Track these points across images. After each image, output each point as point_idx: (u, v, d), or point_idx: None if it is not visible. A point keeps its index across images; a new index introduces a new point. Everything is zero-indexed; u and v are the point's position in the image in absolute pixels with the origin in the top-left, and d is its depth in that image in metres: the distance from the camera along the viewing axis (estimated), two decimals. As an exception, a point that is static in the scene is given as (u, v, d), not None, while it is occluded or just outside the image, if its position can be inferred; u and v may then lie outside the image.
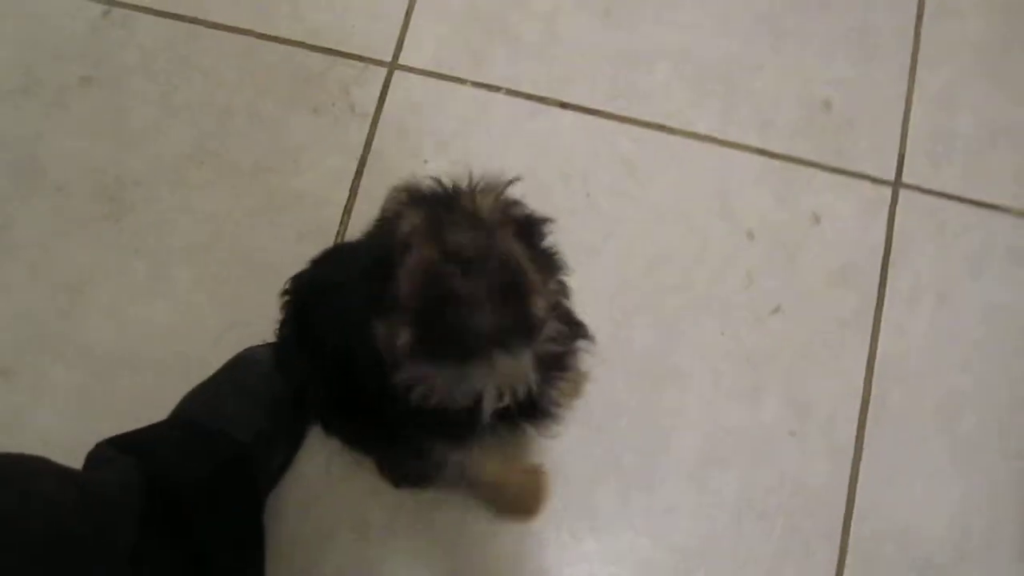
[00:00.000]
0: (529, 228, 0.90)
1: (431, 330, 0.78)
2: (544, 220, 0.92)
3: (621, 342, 1.42)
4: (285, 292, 1.14)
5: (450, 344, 0.79)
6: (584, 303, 0.99)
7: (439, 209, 0.82)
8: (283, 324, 1.17)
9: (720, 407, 1.41)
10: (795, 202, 1.50)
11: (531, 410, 0.94)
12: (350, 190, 1.46)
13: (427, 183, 0.89)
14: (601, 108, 1.52)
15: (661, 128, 1.52)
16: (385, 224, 0.92)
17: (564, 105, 1.52)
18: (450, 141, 1.50)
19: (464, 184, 0.87)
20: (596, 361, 1.16)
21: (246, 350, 1.34)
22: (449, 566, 1.31)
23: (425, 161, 1.49)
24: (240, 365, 1.32)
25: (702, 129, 1.52)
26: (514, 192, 0.90)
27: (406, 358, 0.81)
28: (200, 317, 1.41)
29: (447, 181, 0.88)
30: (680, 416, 1.40)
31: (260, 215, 1.45)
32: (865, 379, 1.43)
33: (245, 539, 1.24)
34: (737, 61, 1.56)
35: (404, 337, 0.79)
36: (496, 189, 0.88)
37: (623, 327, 1.42)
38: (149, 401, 1.28)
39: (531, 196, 1.42)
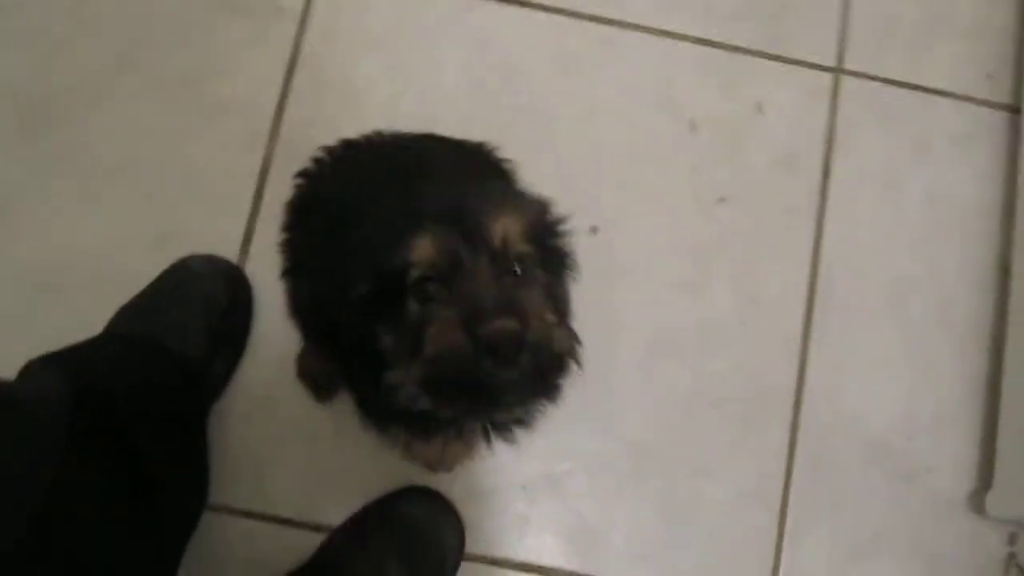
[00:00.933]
0: (543, 230, 0.88)
1: (447, 393, 0.79)
2: (558, 220, 0.91)
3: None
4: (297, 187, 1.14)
5: (465, 398, 0.79)
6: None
7: (455, 244, 0.79)
8: (285, 226, 1.16)
9: (668, 300, 1.40)
10: (737, 91, 1.48)
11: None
12: (280, 95, 1.41)
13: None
14: (537, 0, 1.48)
15: (598, 20, 1.48)
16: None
17: (500, -1, 1.48)
18: (383, 39, 1.45)
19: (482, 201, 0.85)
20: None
21: (182, 259, 1.30)
22: (402, 473, 1.29)
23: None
24: (177, 275, 1.28)
25: (640, 20, 1.49)
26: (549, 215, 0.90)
27: (412, 387, 0.82)
28: (132, 231, 1.35)
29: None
30: (629, 311, 1.39)
31: (188, 124, 1.39)
32: (811, 266, 1.43)
33: (186, 451, 1.20)
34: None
35: (413, 383, 0.81)
36: (523, 211, 0.86)
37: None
38: (84, 319, 1.23)
39: (468, 94, 1.46)
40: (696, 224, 1.43)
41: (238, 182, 1.37)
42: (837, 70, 1.50)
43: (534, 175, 1.35)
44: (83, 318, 1.22)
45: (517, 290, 0.78)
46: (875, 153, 1.48)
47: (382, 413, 0.99)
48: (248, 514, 1.28)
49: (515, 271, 0.81)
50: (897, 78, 1.51)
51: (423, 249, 0.78)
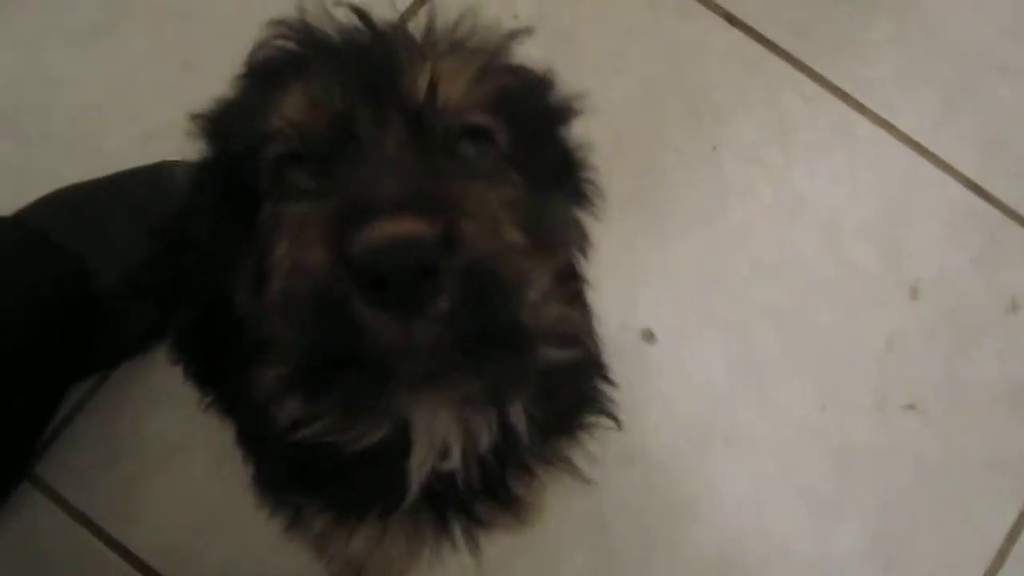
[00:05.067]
0: (530, 102, 0.53)
1: (312, 373, 0.45)
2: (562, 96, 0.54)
3: (669, 365, 0.96)
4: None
5: (360, 388, 0.44)
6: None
7: (347, 97, 0.46)
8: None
9: (782, 502, 0.95)
10: (995, 272, 1.01)
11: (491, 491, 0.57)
12: None
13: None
14: (774, 39, 1.06)
15: (846, 98, 1.04)
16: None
17: (731, 19, 1.06)
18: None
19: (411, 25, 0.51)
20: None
21: (165, 163, 0.94)
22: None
23: None
24: (145, 179, 0.92)
25: (903, 125, 1.04)
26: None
27: (282, 393, 0.49)
28: (136, 97, 1.01)
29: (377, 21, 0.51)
30: (717, 496, 0.94)
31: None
32: (996, 556, 0.95)
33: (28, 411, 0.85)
34: (985, 53, 1.07)
35: (276, 372, 0.49)
36: (489, 52, 0.51)
37: (685, 340, 0.97)
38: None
39: (639, 124, 1.06)
40: (860, 424, 0.97)
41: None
42: None
43: (673, 253, 0.96)
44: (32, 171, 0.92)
45: (448, 178, 0.44)
46: None
47: (272, 469, 0.60)
48: (95, 529, 0.90)
49: (455, 153, 0.47)
50: None
51: (290, 104, 0.46)
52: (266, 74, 0.50)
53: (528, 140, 0.50)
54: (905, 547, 0.94)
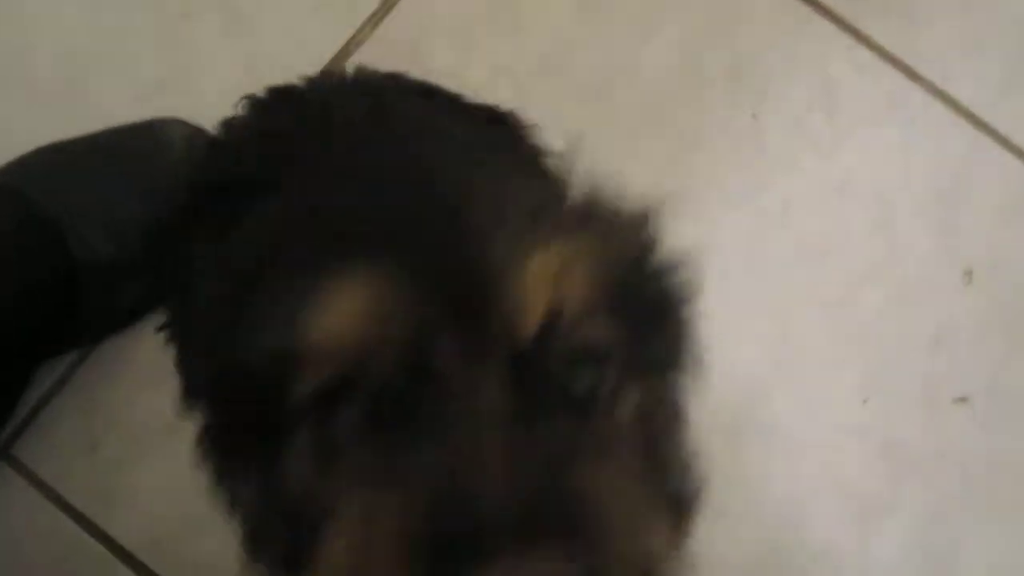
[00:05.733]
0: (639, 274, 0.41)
1: None
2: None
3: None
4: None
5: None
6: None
7: (418, 309, 0.33)
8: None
9: (824, 507, 0.88)
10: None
11: None
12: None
13: None
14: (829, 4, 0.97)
15: (900, 66, 0.96)
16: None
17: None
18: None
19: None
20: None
21: (158, 120, 0.86)
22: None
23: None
24: (136, 139, 0.84)
25: (961, 96, 0.96)
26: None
27: None
28: (128, 47, 0.93)
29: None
30: (744, 502, 0.87)
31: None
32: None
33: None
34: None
35: None
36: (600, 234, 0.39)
37: (718, 323, 0.89)
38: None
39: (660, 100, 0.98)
40: (906, 418, 0.90)
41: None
42: None
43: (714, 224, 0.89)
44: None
45: (574, 462, 0.32)
46: None
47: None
48: (75, 514, 0.83)
49: (571, 397, 0.35)
50: None
51: (340, 317, 0.32)
52: (298, 243, 0.37)
53: (638, 334, 0.39)
54: (954, 551, 0.88)
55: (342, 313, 0.32)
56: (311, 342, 0.33)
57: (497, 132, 0.65)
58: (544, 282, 0.33)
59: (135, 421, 0.85)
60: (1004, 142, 0.94)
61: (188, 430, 0.82)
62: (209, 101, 0.88)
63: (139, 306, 0.84)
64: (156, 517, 0.84)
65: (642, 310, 0.39)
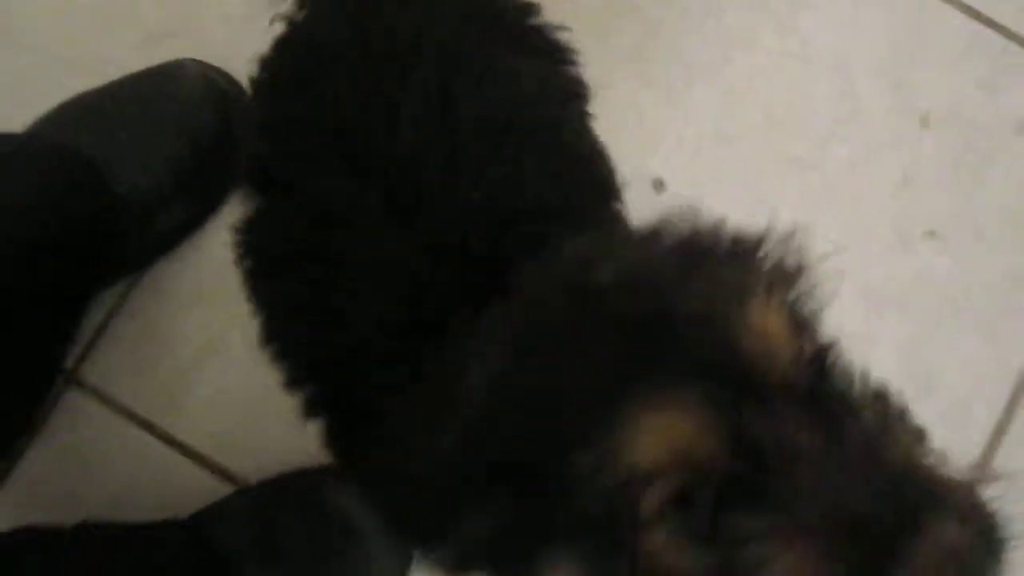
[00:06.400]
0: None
1: None
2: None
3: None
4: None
5: None
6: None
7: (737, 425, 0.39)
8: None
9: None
10: (1005, 96, 1.02)
11: None
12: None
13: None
14: None
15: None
16: None
17: None
18: None
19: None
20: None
21: (174, 62, 0.94)
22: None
23: None
24: (159, 79, 0.92)
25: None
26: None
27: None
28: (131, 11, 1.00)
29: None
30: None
31: None
32: (1018, 379, 0.97)
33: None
34: None
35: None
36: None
37: (697, 190, 0.97)
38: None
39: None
40: (882, 257, 0.98)
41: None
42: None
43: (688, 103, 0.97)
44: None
45: (887, 440, 0.40)
46: None
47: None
48: (143, 423, 0.92)
49: (837, 394, 0.43)
50: None
51: (670, 436, 0.38)
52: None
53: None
54: (935, 374, 0.96)
55: (678, 432, 0.39)
56: (661, 461, 0.39)
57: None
58: (777, 337, 0.41)
59: (188, 336, 0.93)
60: (945, -3, 1.02)
61: (235, 344, 0.91)
62: (216, 42, 0.97)
63: (177, 231, 0.93)
64: (216, 418, 0.92)
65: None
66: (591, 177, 0.67)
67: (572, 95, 0.71)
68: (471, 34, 0.64)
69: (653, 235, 0.48)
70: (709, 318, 0.41)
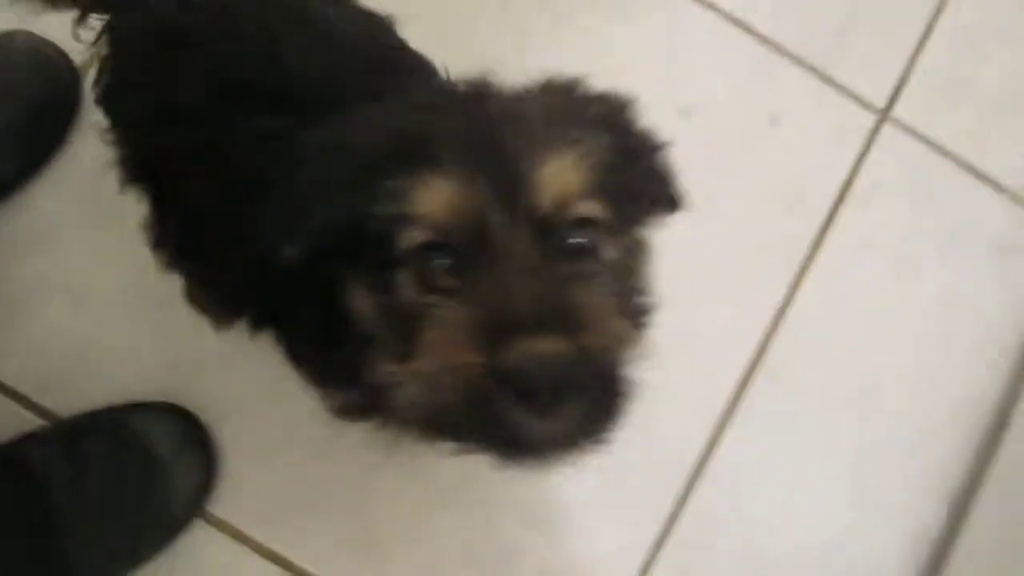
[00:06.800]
0: (621, 166, 0.60)
1: (447, 429, 0.55)
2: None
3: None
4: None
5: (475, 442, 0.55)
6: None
7: (482, 202, 0.53)
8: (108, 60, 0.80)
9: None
10: (758, 94, 1.19)
11: None
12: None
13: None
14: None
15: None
16: None
17: None
18: None
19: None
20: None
21: (4, 33, 1.03)
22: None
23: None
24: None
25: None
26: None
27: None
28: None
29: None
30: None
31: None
32: (770, 325, 1.14)
33: None
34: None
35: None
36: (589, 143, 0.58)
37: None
38: None
39: None
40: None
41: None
42: (883, 113, 1.21)
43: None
44: None
45: (572, 285, 0.54)
46: (895, 222, 1.18)
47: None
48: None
49: (571, 248, 0.56)
50: (949, 147, 1.21)
51: (436, 200, 0.53)
52: (394, 148, 0.56)
53: (623, 191, 0.59)
54: (689, 330, 1.10)
55: (437, 198, 0.53)
56: (417, 210, 0.53)
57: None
58: (554, 179, 0.54)
59: (18, 282, 1.01)
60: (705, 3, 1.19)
61: (61, 289, 0.99)
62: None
63: (7, 185, 1.01)
64: (43, 362, 1.00)
65: (623, 193, 0.59)
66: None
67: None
68: None
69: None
70: (523, 139, 0.55)
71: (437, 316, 0.53)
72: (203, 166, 0.69)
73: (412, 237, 0.54)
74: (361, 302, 0.59)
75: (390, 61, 0.75)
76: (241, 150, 0.66)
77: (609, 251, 0.58)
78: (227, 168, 0.68)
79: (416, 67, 0.77)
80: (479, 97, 0.59)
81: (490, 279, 0.52)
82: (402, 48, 0.78)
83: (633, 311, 0.61)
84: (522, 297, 0.51)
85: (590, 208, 0.56)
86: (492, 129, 0.55)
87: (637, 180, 0.62)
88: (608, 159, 0.58)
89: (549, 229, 0.54)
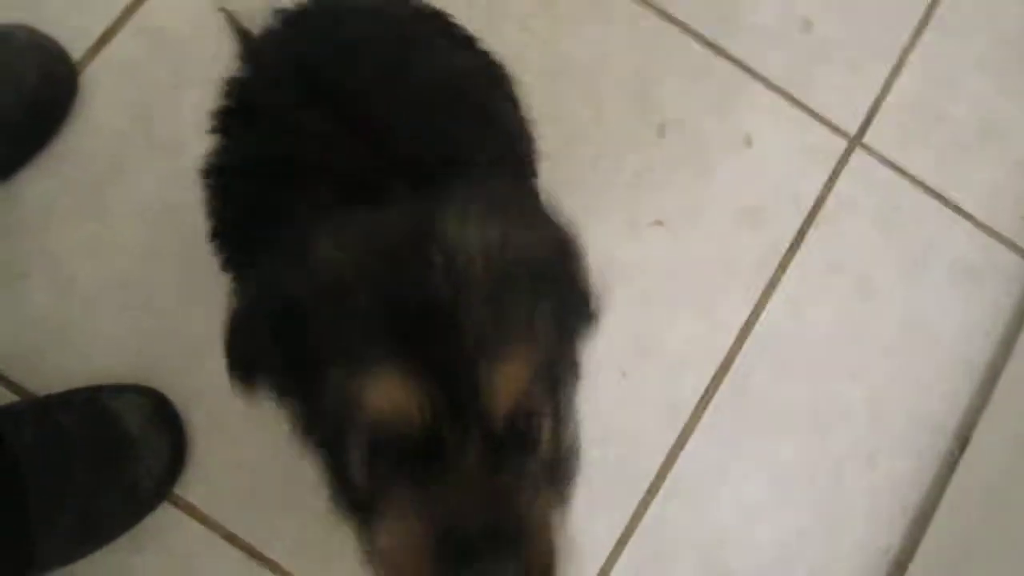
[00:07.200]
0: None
1: None
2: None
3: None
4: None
5: None
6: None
7: (436, 408, 0.53)
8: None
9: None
10: (732, 114, 1.23)
11: None
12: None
13: None
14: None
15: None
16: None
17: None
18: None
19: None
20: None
21: (4, 27, 1.07)
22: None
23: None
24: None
25: (652, -1, 1.25)
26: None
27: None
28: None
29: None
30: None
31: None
32: (734, 344, 1.16)
33: None
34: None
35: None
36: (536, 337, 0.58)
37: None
38: None
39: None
40: (617, 241, 1.16)
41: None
42: (854, 139, 1.25)
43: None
44: None
45: (518, 496, 0.55)
46: (861, 246, 1.21)
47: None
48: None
49: (516, 442, 0.56)
50: (918, 176, 1.24)
51: (382, 399, 0.52)
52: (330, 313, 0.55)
53: (559, 356, 0.60)
54: (656, 343, 1.14)
55: (383, 398, 0.52)
56: (362, 406, 0.53)
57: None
58: (506, 384, 0.53)
59: (10, 263, 1.04)
60: (685, 28, 1.23)
61: (38, 275, 1.03)
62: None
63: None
64: (16, 342, 1.03)
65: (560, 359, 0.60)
66: (509, 145, 0.81)
67: (497, 78, 0.87)
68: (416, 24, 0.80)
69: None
70: (472, 327, 0.53)
71: (387, 514, 0.55)
72: None
73: (358, 427, 0.55)
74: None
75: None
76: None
77: (547, 428, 0.59)
78: None
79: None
80: (419, 247, 0.55)
81: (440, 491, 0.53)
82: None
83: (564, 478, 0.62)
84: (473, 516, 0.52)
85: (537, 403, 0.57)
86: (437, 306, 0.53)
87: (568, 327, 0.63)
88: (552, 335, 0.58)
89: (497, 433, 0.54)
